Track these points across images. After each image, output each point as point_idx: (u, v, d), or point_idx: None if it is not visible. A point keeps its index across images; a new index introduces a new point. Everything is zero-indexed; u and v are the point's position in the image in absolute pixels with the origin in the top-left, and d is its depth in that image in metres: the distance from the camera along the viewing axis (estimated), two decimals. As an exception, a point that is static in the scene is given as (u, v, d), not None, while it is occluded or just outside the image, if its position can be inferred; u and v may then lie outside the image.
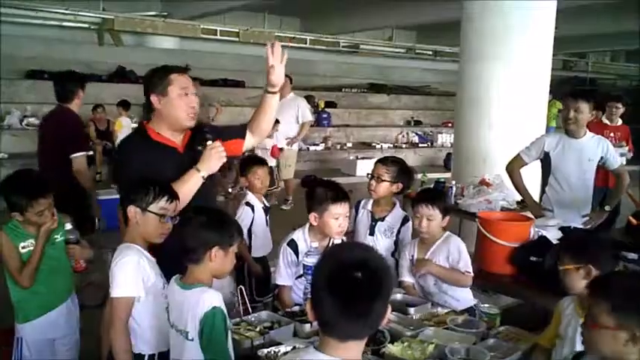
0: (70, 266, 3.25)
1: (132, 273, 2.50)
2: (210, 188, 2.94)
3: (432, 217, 3.28)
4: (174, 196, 2.61)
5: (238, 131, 3.00)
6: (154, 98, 2.77)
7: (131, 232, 2.62)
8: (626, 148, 6.69)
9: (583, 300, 2.29)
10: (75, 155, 4.56)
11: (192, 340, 2.25)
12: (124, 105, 10.47)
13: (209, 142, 2.73)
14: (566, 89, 17.11)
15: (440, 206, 3.31)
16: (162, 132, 2.81)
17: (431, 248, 3.34)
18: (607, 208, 4.60)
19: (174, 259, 2.40)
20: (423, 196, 3.46)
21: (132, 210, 2.57)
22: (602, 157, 4.53)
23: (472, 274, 3.27)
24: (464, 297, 3.30)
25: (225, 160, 2.76)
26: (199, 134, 2.80)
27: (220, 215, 2.45)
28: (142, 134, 2.85)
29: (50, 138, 4.85)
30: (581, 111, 4.37)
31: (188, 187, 2.71)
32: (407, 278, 3.37)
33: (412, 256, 3.38)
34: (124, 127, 10.11)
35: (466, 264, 3.25)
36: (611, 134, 6.53)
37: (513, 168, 4.82)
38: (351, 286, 1.58)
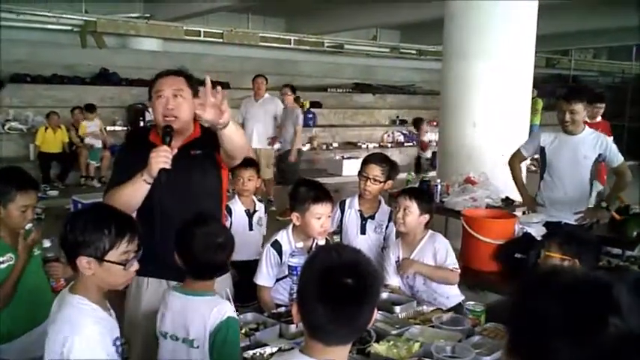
0: (47, 282, 3.01)
1: (96, 351, 1.94)
2: (204, 196, 2.85)
3: (409, 209, 3.27)
4: (134, 231, 2.09)
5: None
6: (150, 104, 2.83)
7: (83, 281, 2.03)
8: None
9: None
10: None
11: (197, 347, 2.24)
12: (89, 109, 10.23)
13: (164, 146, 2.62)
14: (549, 87, 17.36)
15: (418, 201, 3.30)
16: (158, 132, 2.80)
17: (416, 248, 3.32)
18: (603, 204, 4.57)
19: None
20: (406, 189, 3.55)
21: (83, 262, 1.97)
22: (600, 155, 4.45)
23: (459, 270, 3.26)
24: (453, 294, 3.31)
25: (166, 165, 2.53)
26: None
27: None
28: (145, 136, 2.88)
29: None
30: (576, 112, 4.36)
31: (128, 191, 2.62)
32: (393, 281, 3.37)
33: (397, 257, 3.37)
34: (89, 131, 9.98)
35: (453, 261, 3.25)
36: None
37: (514, 162, 4.89)
38: (340, 291, 1.56)
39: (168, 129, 2.66)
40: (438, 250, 3.27)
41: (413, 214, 3.28)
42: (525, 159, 4.89)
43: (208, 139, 2.77)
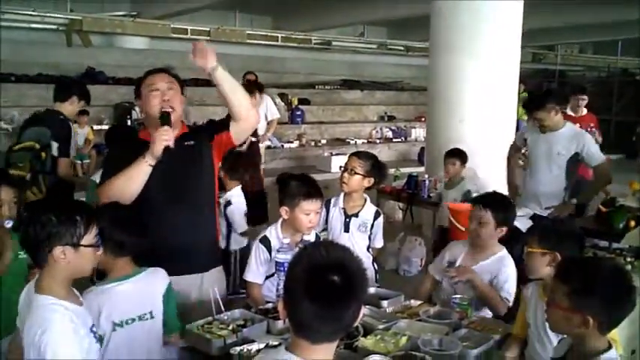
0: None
1: (70, 342, 1.99)
2: (198, 188, 2.89)
3: (485, 221, 3.09)
4: (94, 214, 2.18)
5: (223, 124, 2.92)
6: (137, 102, 2.88)
7: (50, 276, 2.06)
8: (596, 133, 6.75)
9: (547, 285, 2.34)
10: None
11: (154, 317, 2.53)
12: (81, 113, 10.06)
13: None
14: (535, 82, 17.41)
15: (495, 212, 3.09)
16: (150, 131, 2.83)
17: (483, 261, 3.13)
18: (573, 201, 4.60)
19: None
20: (480, 198, 3.29)
21: (58, 251, 2.03)
22: (577, 154, 4.49)
23: (510, 303, 3.01)
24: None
25: (170, 143, 2.65)
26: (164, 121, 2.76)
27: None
28: (134, 135, 2.97)
29: None
30: (541, 119, 4.46)
31: (129, 175, 2.68)
32: (436, 274, 3.31)
33: (455, 260, 3.23)
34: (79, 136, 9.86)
35: (509, 292, 3.03)
36: (577, 125, 6.58)
37: (510, 151, 5.12)
38: (327, 289, 1.55)
39: (166, 113, 2.73)
40: (500, 275, 3.06)
41: (489, 225, 3.09)
42: (520, 149, 5.04)
43: (197, 132, 2.89)
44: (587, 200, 4.87)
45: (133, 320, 2.49)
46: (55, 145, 4.30)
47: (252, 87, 6.47)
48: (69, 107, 4.57)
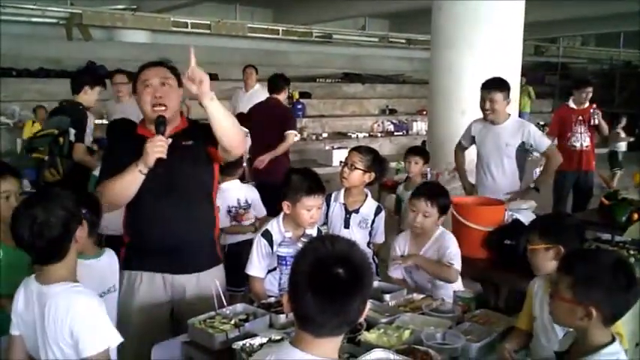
0: None
1: (102, 319, 2.10)
2: (195, 188, 2.83)
3: (429, 214, 3.21)
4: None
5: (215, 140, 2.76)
6: (135, 97, 2.81)
7: (64, 264, 2.13)
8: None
9: (552, 279, 2.33)
10: None
11: (116, 290, 2.71)
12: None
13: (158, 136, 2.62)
14: (537, 75, 17.37)
15: (439, 204, 3.22)
16: (146, 125, 2.79)
17: (425, 245, 3.28)
18: (532, 185, 4.70)
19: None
20: (423, 190, 3.35)
21: (78, 235, 2.16)
22: (524, 143, 4.62)
23: (458, 267, 3.18)
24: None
25: (162, 155, 2.54)
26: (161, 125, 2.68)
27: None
28: (133, 129, 2.87)
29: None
30: (495, 101, 4.55)
31: (123, 182, 2.62)
32: (396, 274, 3.34)
33: (403, 251, 3.33)
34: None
35: (451, 256, 3.18)
36: (580, 117, 6.57)
37: (456, 151, 5.17)
38: (332, 282, 1.55)
39: (162, 119, 2.65)
40: (441, 246, 3.22)
41: (432, 217, 3.23)
42: (466, 148, 5.08)
43: (197, 131, 2.78)
44: (543, 184, 4.94)
45: (106, 292, 2.63)
46: (72, 132, 4.78)
47: (282, 83, 6.49)
48: (85, 97, 5.16)
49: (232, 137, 2.64)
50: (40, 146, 4.75)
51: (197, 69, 2.47)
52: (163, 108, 2.68)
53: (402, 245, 3.38)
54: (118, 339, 2.11)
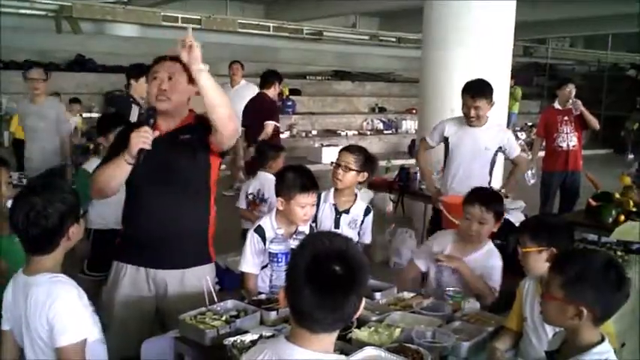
0: None
1: (79, 311, 2.08)
2: (191, 183, 2.81)
3: (485, 221, 3.09)
4: None
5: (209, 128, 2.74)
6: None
7: (53, 257, 2.13)
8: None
9: (544, 279, 2.34)
10: None
11: None
12: (73, 101, 9.99)
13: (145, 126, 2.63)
14: (526, 76, 17.42)
15: (495, 210, 3.10)
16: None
17: (471, 254, 3.13)
18: (503, 191, 4.67)
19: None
20: (478, 197, 3.18)
21: (71, 230, 2.15)
22: (500, 147, 4.63)
23: (497, 294, 3.03)
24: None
25: (146, 146, 2.54)
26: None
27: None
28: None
29: None
30: (480, 108, 4.48)
31: (109, 170, 2.66)
32: (419, 264, 3.31)
33: (442, 251, 3.21)
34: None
35: (496, 282, 3.06)
36: (565, 118, 6.59)
37: (419, 149, 5.08)
38: (329, 277, 1.57)
39: (151, 111, 2.68)
40: (490, 266, 3.08)
41: (489, 224, 3.11)
42: (431, 147, 4.97)
43: (201, 126, 2.75)
44: (512, 190, 5.00)
45: None
46: None
47: (272, 78, 6.69)
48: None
49: (222, 113, 2.57)
50: None
51: (191, 37, 2.52)
52: (165, 99, 2.70)
53: (442, 244, 3.27)
54: (96, 334, 2.10)
